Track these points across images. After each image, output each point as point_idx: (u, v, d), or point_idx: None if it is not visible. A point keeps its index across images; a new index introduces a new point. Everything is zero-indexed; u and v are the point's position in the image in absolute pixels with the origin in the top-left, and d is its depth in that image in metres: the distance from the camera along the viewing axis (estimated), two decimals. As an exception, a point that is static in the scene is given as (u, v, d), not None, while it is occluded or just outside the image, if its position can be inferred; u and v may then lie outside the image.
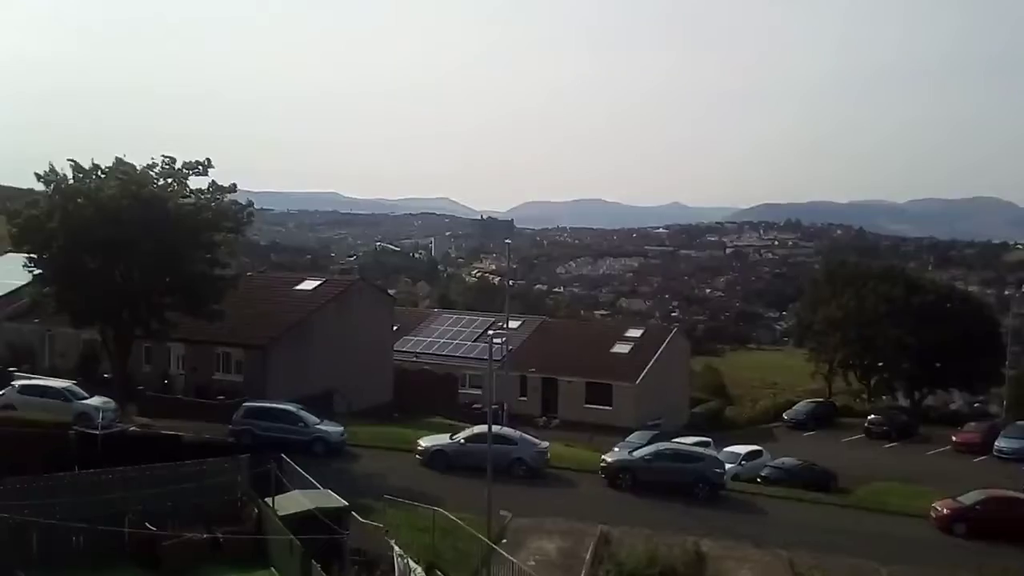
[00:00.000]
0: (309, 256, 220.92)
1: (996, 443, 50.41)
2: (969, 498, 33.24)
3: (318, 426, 35.97)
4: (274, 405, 36.76)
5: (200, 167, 40.15)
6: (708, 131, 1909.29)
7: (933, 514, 33.11)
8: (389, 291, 76.60)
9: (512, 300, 66.11)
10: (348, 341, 46.20)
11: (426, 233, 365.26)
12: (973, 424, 55.99)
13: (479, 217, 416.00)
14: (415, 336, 62.94)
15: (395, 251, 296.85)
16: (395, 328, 56.26)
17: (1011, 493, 35.24)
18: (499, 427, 34.92)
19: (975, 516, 32.18)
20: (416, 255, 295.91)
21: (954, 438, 53.19)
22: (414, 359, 58.15)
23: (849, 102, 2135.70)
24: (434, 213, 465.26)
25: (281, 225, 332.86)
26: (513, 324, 58.15)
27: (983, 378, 70.80)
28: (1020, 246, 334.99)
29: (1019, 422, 53.29)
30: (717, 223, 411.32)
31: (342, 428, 36.96)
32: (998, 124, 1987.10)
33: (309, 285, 49.75)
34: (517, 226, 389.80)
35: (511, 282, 73.42)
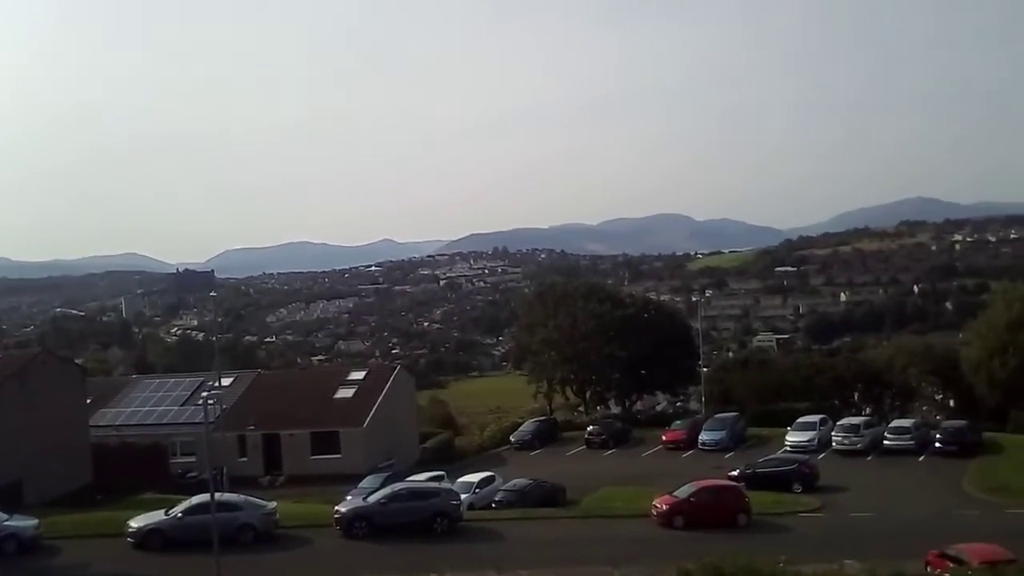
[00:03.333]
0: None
1: (700, 437, 55.70)
2: (683, 492, 36.42)
3: (6, 523, 32.36)
4: (-53, 508, 32.43)
5: None
6: (414, 166, 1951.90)
7: (654, 512, 35.91)
8: (76, 361, 70.32)
9: (221, 355, 63.23)
10: (33, 422, 41.67)
11: (114, 293, 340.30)
12: (678, 422, 61.18)
13: (174, 271, 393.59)
14: (113, 407, 58.08)
15: (79, 316, 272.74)
16: (88, 401, 51.61)
17: (718, 481, 39.24)
18: (220, 494, 33.18)
19: (690, 508, 35.34)
20: (105, 318, 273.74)
21: (664, 437, 57.88)
22: (114, 433, 53.60)
23: (543, 133, 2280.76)
24: (122, 270, 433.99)
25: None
26: (225, 381, 55.59)
27: (682, 378, 78.13)
28: (700, 255, 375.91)
29: (717, 415, 59.32)
30: (429, 257, 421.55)
31: (36, 521, 33.36)
32: (675, 146, 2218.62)
33: (-22, 364, 44.30)
34: (218, 276, 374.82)
35: (218, 337, 70.10)
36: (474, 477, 42.90)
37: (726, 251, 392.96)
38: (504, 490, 41.28)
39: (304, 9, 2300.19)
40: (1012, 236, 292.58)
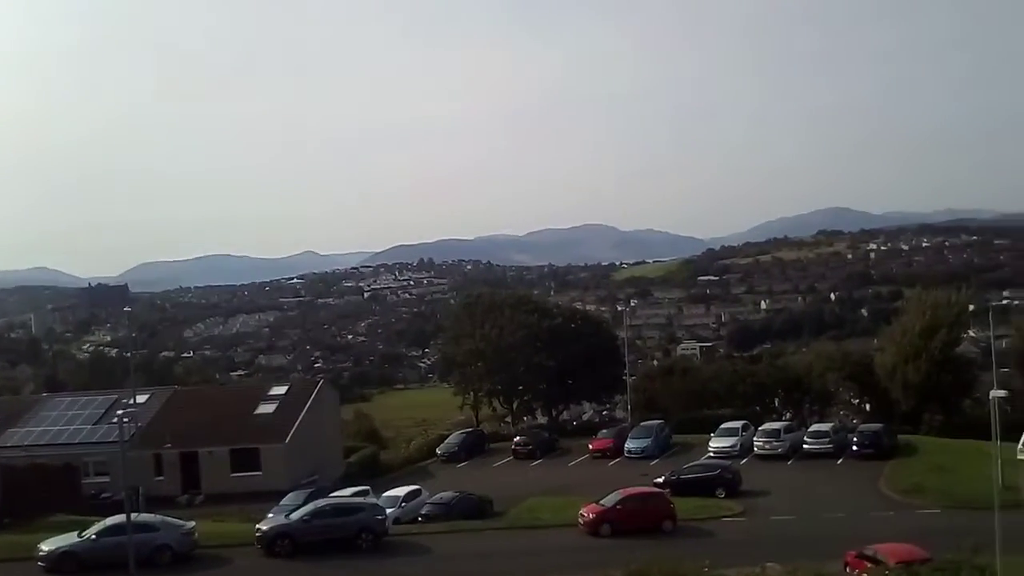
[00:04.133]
0: None
1: (626, 445, 56.38)
2: (609, 500, 36.86)
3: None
4: None
5: None
6: (337, 177, 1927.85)
7: (581, 520, 36.24)
8: (-18, 380, 67.75)
9: (136, 372, 61.62)
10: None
11: (23, 308, 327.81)
12: (605, 431, 61.81)
13: (86, 285, 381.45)
14: (22, 427, 55.92)
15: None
16: (-5, 421, 49.68)
17: (644, 489, 39.81)
18: (136, 514, 32.32)
19: (616, 516, 35.82)
20: (13, 335, 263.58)
21: (590, 446, 58.42)
22: (23, 453, 51.66)
23: (468, 143, 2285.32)
24: (31, 285, 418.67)
25: None
26: (140, 398, 54.15)
27: (609, 387, 78.95)
28: (625, 265, 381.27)
29: (643, 423, 60.13)
30: (353, 269, 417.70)
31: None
32: (600, 157, 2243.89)
33: None
34: (133, 291, 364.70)
35: (133, 353, 68.32)
36: (400, 491, 42.64)
37: (650, 261, 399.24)
38: (430, 503, 41.19)
39: (222, 10, 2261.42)
40: (923, 244, 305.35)
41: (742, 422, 56.30)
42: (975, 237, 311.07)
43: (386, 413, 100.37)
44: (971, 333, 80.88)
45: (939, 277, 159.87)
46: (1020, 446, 44.74)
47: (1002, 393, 27.29)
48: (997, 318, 63.38)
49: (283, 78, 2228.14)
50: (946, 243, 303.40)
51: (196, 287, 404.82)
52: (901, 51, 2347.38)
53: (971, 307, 73.97)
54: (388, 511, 37.55)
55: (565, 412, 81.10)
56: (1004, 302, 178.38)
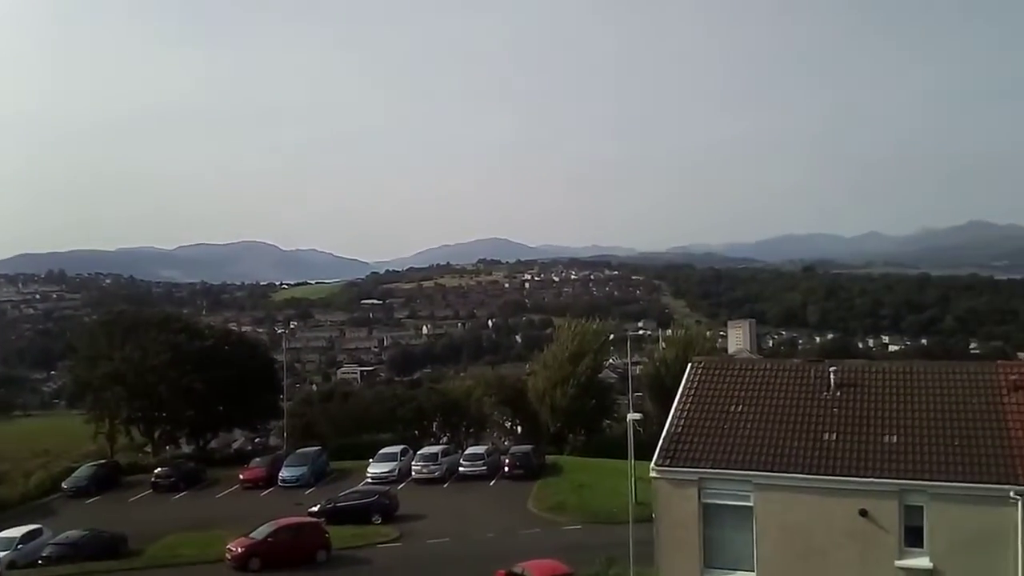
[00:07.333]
0: None
1: (280, 474, 55.08)
2: (260, 532, 35.85)
3: None
4: None
5: None
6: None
7: (228, 555, 34.90)
8: None
9: None
10: None
11: None
12: (258, 459, 60.00)
13: None
14: None
15: None
16: None
17: (297, 519, 39.13)
18: None
19: (267, 548, 34.93)
20: None
21: (241, 476, 56.36)
22: None
23: (106, 144, 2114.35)
24: None
25: None
26: None
27: (264, 413, 76.62)
28: (286, 285, 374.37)
29: (299, 451, 59.08)
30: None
31: None
32: (261, 172, 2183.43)
33: None
34: None
35: None
36: (16, 531, 38.92)
37: (313, 282, 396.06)
38: (53, 544, 37.91)
39: None
40: (572, 277, 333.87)
41: (401, 447, 57.35)
42: (616, 272, 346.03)
43: (0, 443, 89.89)
44: (611, 360, 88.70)
45: (585, 307, 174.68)
46: (652, 465, 49.83)
47: (637, 416, 30.12)
48: (633, 347, 70.16)
49: None
50: (591, 276, 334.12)
51: None
52: (555, 95, 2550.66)
53: (611, 336, 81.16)
54: (1, 554, 34.40)
55: (214, 441, 77.39)
56: (639, 332, 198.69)
